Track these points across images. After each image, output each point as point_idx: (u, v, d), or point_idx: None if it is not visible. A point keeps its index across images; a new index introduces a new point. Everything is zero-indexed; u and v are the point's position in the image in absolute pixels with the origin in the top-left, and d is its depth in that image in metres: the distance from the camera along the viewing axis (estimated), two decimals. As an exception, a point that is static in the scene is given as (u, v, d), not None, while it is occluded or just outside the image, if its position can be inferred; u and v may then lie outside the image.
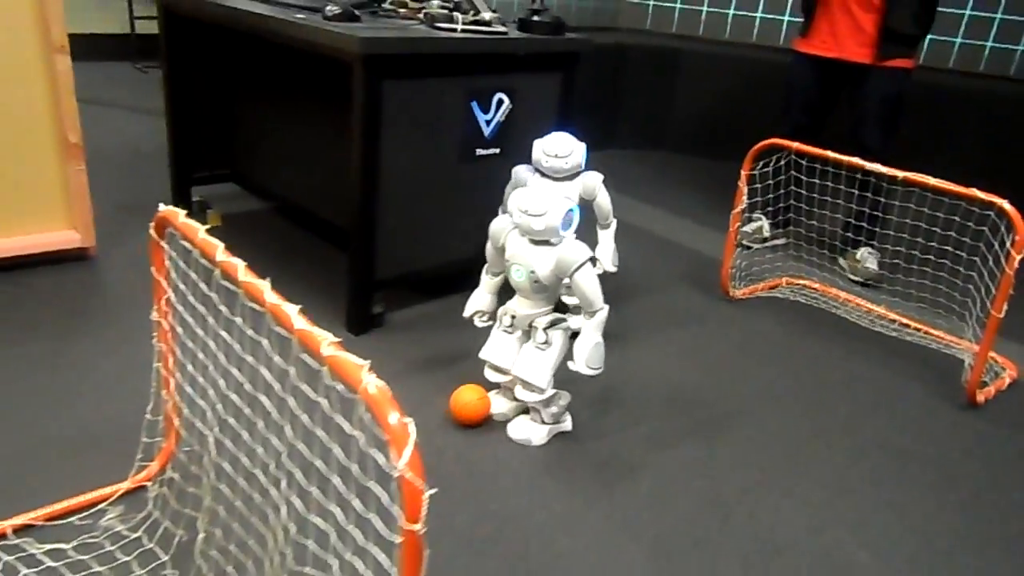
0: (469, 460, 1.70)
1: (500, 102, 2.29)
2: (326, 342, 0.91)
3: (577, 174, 2.11)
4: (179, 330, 1.44)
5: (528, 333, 1.77)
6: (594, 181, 2.12)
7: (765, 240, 3.18)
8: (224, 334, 1.37)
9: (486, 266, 1.86)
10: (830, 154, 2.39)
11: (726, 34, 4.91)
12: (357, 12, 2.13)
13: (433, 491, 0.87)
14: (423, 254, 2.31)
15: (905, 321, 2.59)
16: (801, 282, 2.85)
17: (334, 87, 2.51)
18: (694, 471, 1.76)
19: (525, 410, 1.86)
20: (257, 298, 1.03)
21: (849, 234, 3.03)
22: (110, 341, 2.01)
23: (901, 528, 1.65)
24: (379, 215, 2.11)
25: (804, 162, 2.74)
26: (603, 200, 2.15)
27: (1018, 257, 1.94)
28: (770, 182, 2.97)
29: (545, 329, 1.73)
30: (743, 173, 2.52)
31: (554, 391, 1.77)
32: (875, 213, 2.92)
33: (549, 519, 1.55)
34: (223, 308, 1.29)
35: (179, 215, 1.27)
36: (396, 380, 1.79)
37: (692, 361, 2.25)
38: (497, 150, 2.35)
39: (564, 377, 1.75)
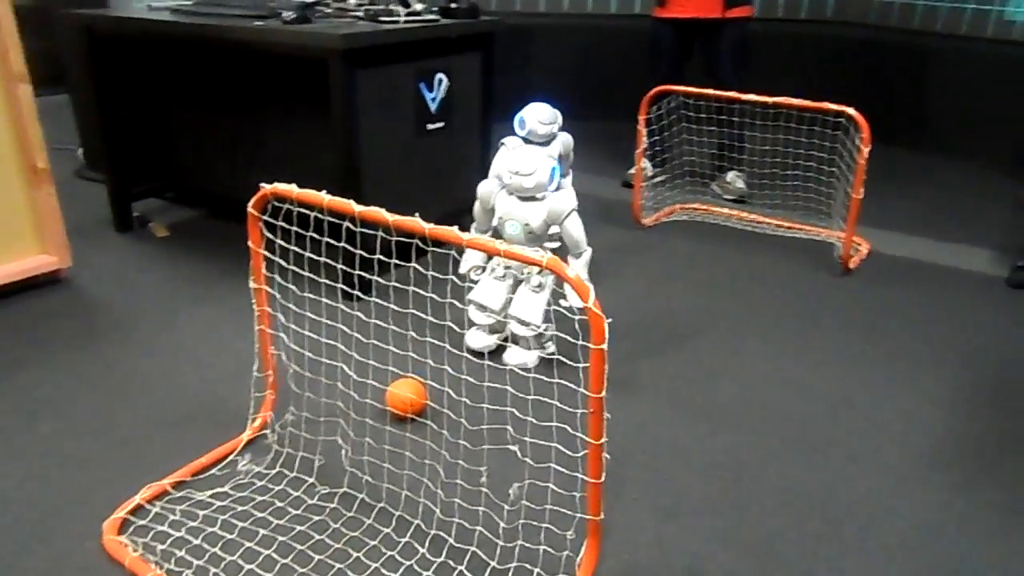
0: (481, 383, 2.06)
1: (440, 81, 2.62)
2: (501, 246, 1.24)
3: (554, 137, 2.47)
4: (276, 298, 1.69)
5: (516, 279, 2.07)
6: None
7: (650, 178, 3.71)
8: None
9: (474, 226, 2.15)
10: (709, 91, 2.92)
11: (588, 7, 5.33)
12: (308, 15, 2.38)
13: (610, 320, 1.22)
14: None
15: (779, 222, 3.20)
16: (691, 206, 3.40)
17: (279, 85, 2.72)
18: (668, 366, 2.22)
19: (505, 340, 2.15)
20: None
21: (718, 162, 3.62)
22: (93, 360, 2.17)
23: (812, 349, 2.20)
24: (362, 189, 2.39)
25: (679, 107, 3.28)
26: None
27: (866, 149, 2.55)
28: (652, 128, 3.49)
29: (538, 274, 2.04)
30: (640, 118, 3.01)
31: (546, 325, 2.07)
32: (738, 143, 3.52)
33: None
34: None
35: (291, 190, 1.51)
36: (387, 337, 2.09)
37: (639, 279, 2.71)
38: (442, 124, 2.67)
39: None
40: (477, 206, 2.12)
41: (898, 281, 2.72)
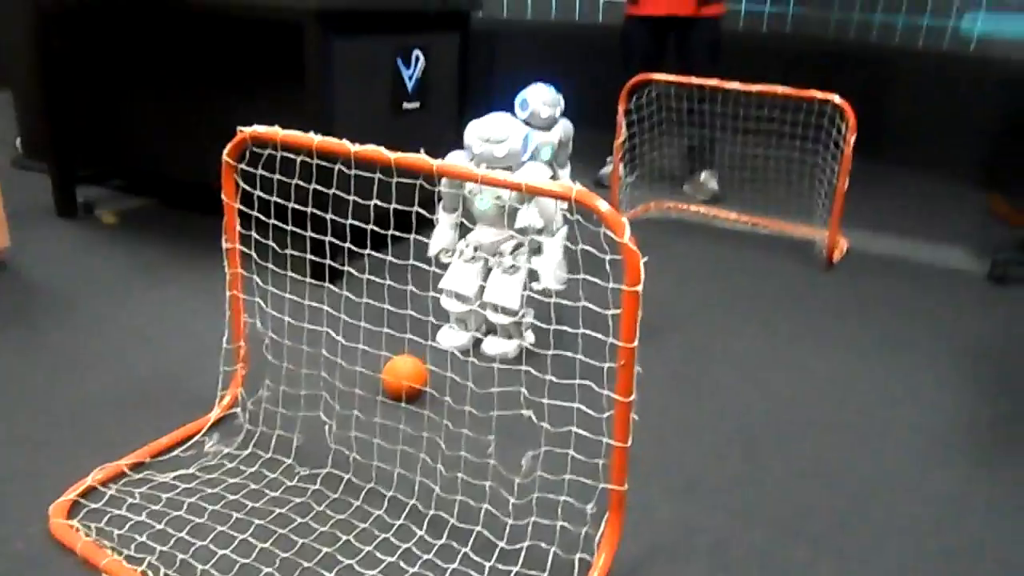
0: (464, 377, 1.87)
1: (417, 58, 2.50)
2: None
3: (556, 122, 2.30)
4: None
5: (487, 262, 1.86)
6: (569, 124, 2.32)
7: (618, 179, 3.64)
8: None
9: (441, 204, 1.92)
10: (693, 79, 2.87)
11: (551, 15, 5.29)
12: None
13: (645, 259, 1.10)
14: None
15: (756, 220, 3.15)
16: (666, 204, 3.33)
17: (246, 58, 2.55)
18: (665, 351, 2.11)
19: (484, 335, 1.94)
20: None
21: (690, 163, 3.57)
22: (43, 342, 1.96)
23: (808, 335, 2.12)
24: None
25: (651, 104, 3.22)
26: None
27: (852, 138, 2.52)
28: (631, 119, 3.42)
29: (511, 253, 1.87)
30: (620, 108, 2.93)
31: (525, 309, 1.91)
32: (709, 144, 3.48)
33: None
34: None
35: (275, 132, 1.36)
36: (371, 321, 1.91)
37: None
38: (418, 104, 2.55)
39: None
40: (445, 183, 1.88)
41: (882, 275, 2.67)
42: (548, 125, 2.30)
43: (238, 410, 1.58)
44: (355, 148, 1.26)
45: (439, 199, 1.91)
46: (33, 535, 1.24)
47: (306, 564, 1.21)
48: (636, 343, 1.10)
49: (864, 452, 1.62)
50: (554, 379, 1.53)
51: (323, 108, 2.14)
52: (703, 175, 3.50)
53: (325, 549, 1.24)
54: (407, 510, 1.34)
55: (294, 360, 1.69)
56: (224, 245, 1.50)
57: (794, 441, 1.65)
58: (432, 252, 1.90)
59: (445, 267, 1.90)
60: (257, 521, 1.29)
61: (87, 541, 1.20)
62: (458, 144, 1.86)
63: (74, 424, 1.54)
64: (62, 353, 1.81)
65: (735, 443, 1.63)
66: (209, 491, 1.36)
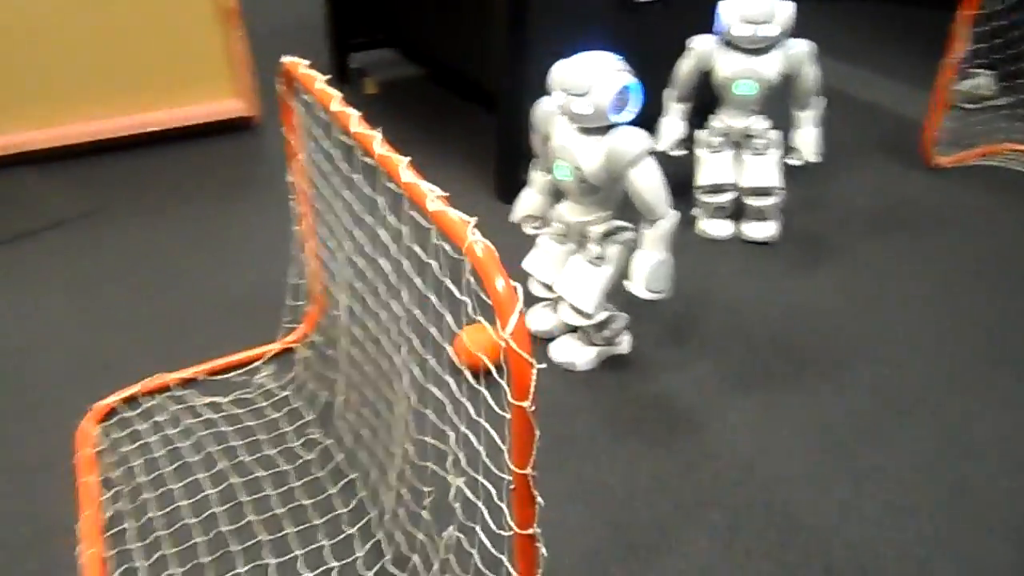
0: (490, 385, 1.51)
1: (665, -60, 2.02)
2: (432, 196, 0.80)
3: (777, 44, 1.76)
4: (318, 191, 1.40)
5: (582, 244, 1.45)
6: (802, 52, 1.76)
7: (985, 99, 2.70)
8: (347, 193, 1.29)
9: (534, 161, 1.53)
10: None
11: None
12: None
13: (542, 366, 0.77)
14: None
15: None
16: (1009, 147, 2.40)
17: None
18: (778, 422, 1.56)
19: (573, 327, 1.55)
20: (368, 149, 0.94)
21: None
22: (269, 206, 2.06)
23: None
24: (527, 72, 1.96)
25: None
26: (809, 76, 1.78)
27: None
28: (998, 23, 2.48)
29: (599, 241, 1.42)
30: (961, 12, 2.10)
31: (607, 314, 1.48)
32: None
33: (558, 477, 1.33)
34: (343, 166, 1.22)
35: (300, 65, 1.18)
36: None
37: (903, 256, 1.97)
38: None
39: (629, 296, 1.43)
40: (533, 135, 1.47)
41: None
42: (757, 49, 1.76)
43: (299, 348, 1.54)
44: (379, 149, 0.98)
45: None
46: (66, 433, 1.37)
47: (238, 545, 1.17)
48: (530, 469, 0.77)
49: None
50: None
51: (516, 4, 1.85)
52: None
53: (262, 535, 1.18)
54: (364, 521, 1.21)
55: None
56: (288, 178, 1.40)
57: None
58: (515, 218, 1.56)
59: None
60: (234, 480, 1.27)
61: (87, 454, 1.29)
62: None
63: (184, 320, 1.65)
64: (246, 236, 1.93)
65: None
66: (221, 429, 1.36)
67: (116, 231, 1.94)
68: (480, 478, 0.90)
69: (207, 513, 1.21)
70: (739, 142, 1.88)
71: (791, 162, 1.90)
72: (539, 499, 0.80)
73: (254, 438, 1.35)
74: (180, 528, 1.19)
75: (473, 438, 0.93)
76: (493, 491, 0.93)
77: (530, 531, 0.82)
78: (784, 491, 1.27)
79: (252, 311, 1.65)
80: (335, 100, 1.06)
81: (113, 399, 1.41)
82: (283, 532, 1.19)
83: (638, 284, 1.36)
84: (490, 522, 0.89)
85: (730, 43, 1.78)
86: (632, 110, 1.31)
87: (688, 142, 1.95)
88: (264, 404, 1.42)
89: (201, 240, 1.91)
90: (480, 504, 0.94)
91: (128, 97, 2.30)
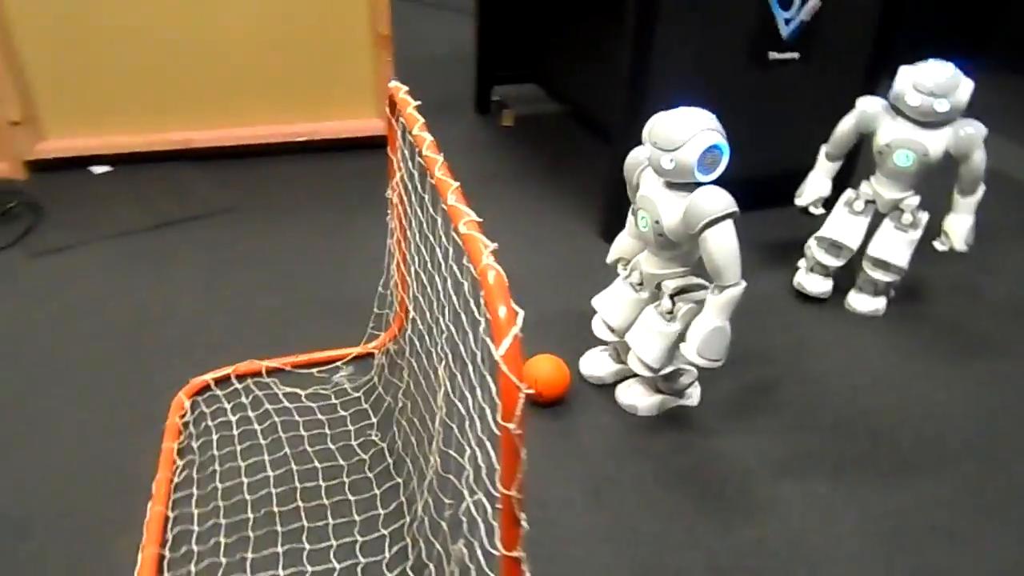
0: (553, 416, 1.50)
1: (805, -2, 1.99)
2: (465, 219, 0.85)
3: (949, 121, 1.66)
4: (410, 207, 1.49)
5: (656, 296, 1.44)
6: (974, 135, 1.64)
7: None
8: (419, 212, 1.37)
9: (632, 207, 1.48)
10: None
11: None
12: None
13: (530, 391, 0.79)
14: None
15: None
16: None
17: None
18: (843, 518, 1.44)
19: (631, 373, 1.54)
20: (431, 171, 1.01)
21: None
22: (385, 220, 2.18)
23: None
24: (642, 121, 1.97)
25: None
26: (977, 161, 1.67)
27: None
28: None
29: (672, 296, 1.39)
30: None
31: (674, 367, 1.45)
32: None
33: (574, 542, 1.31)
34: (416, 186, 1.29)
35: (401, 90, 1.27)
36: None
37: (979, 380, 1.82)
38: (796, 55, 2.05)
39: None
40: (627, 168, 1.46)
41: None
42: (929, 123, 1.66)
43: (379, 353, 1.63)
44: (438, 173, 1.09)
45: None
46: (165, 400, 1.52)
47: (283, 527, 1.25)
48: (515, 490, 0.80)
49: None
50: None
51: (640, 42, 1.88)
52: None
53: (305, 521, 1.26)
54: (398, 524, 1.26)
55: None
56: (387, 195, 1.49)
57: None
58: (609, 259, 1.56)
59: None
60: (293, 466, 1.36)
61: (174, 423, 1.43)
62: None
63: (287, 315, 1.79)
64: (361, 240, 2.06)
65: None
66: (293, 418, 1.47)
67: (248, 228, 2.13)
68: (482, 497, 0.93)
69: (263, 492, 1.31)
70: (884, 213, 1.78)
71: (938, 246, 1.78)
72: (524, 523, 0.82)
73: (320, 431, 1.45)
74: (237, 502, 1.29)
75: (480, 455, 0.96)
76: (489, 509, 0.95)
77: (515, 553, 0.84)
78: (828, 574, 1.20)
79: (349, 315, 1.76)
80: (418, 124, 1.14)
81: (209, 376, 1.55)
82: (324, 522, 1.26)
83: (691, 349, 1.32)
84: (484, 542, 0.91)
85: (899, 110, 1.70)
86: (718, 170, 1.29)
87: (828, 203, 1.88)
88: (336, 401, 1.52)
89: (319, 245, 2.06)
90: (480, 522, 0.97)
91: (280, 108, 2.53)
